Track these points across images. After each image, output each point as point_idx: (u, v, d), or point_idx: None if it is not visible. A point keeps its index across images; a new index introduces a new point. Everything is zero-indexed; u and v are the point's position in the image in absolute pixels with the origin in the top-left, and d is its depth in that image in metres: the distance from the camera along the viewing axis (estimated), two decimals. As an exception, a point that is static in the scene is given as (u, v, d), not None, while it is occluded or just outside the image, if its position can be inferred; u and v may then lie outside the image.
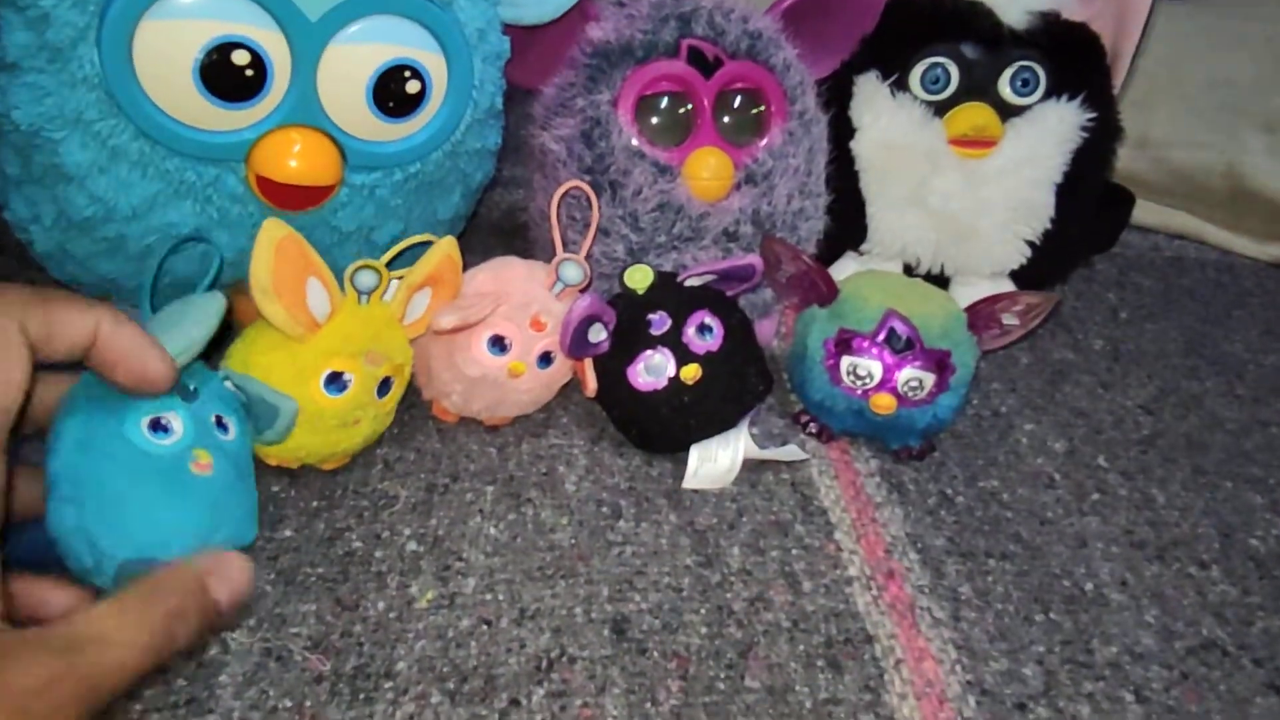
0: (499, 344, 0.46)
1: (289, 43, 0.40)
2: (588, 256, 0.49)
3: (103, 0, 0.37)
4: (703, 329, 0.47)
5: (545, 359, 0.47)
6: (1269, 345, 0.63)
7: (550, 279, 0.48)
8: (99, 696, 0.25)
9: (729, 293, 0.49)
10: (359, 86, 0.43)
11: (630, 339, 0.47)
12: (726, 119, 0.51)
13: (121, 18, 0.38)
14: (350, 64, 0.43)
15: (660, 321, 0.46)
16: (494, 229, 0.66)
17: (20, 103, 0.38)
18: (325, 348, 0.42)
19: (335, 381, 0.42)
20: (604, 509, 0.45)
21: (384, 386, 0.44)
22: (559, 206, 0.48)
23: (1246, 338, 0.64)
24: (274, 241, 0.39)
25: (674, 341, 0.46)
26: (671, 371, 0.46)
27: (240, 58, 0.40)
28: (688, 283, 0.48)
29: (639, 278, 0.47)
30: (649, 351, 0.46)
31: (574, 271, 0.48)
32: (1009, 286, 0.60)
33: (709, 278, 0.48)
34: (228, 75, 0.40)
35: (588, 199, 0.48)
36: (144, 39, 0.38)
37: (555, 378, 0.49)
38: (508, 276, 0.48)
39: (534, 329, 0.46)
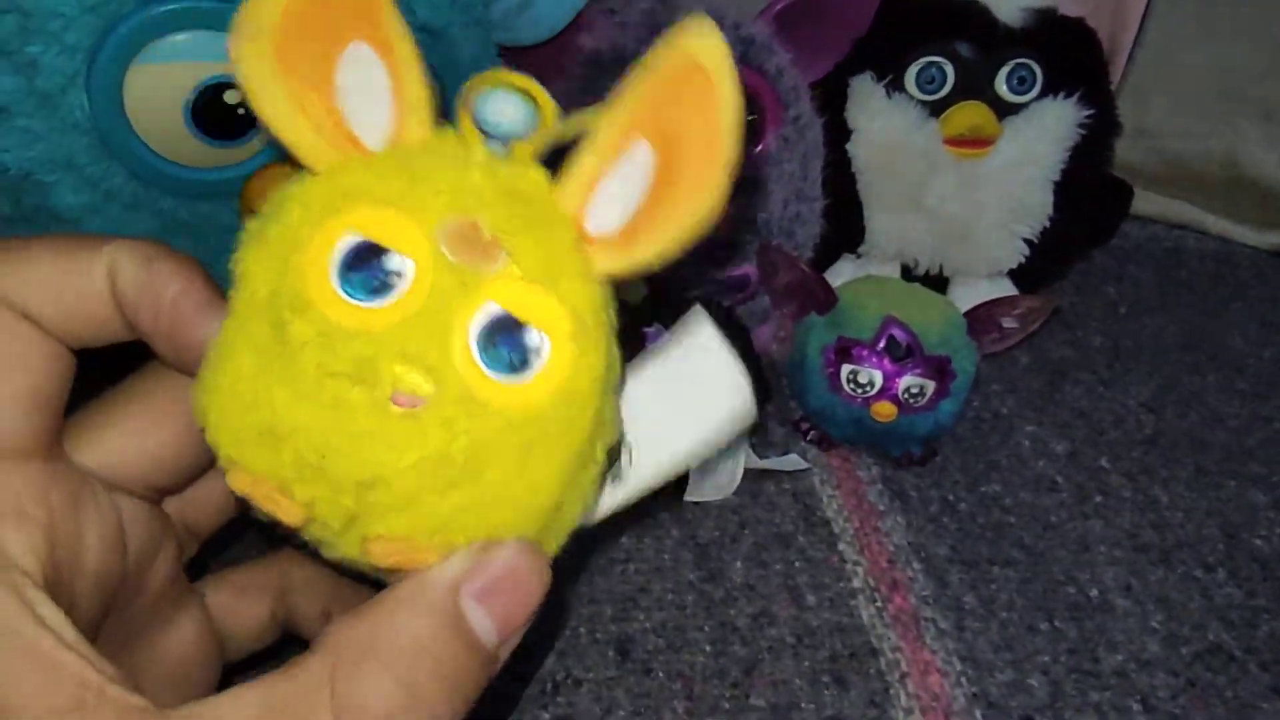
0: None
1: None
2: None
3: (92, 46, 0.37)
4: (701, 343, 0.46)
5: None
6: (1267, 338, 0.63)
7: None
8: None
9: (725, 304, 0.49)
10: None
11: (626, 352, 0.46)
12: (721, 128, 0.50)
13: (111, 63, 0.37)
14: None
15: (656, 334, 0.46)
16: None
17: (10, 146, 0.38)
18: (355, 187, 0.20)
19: (363, 265, 0.20)
20: (606, 524, 0.45)
21: (509, 343, 0.21)
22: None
23: (1245, 330, 0.64)
24: None
25: (673, 356, 0.46)
26: (671, 387, 0.46)
27: (231, 97, 0.40)
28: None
29: (633, 289, 0.47)
30: (648, 367, 0.46)
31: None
32: (1008, 285, 0.60)
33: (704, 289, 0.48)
34: (219, 115, 0.40)
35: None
36: (134, 83, 0.38)
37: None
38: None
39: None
